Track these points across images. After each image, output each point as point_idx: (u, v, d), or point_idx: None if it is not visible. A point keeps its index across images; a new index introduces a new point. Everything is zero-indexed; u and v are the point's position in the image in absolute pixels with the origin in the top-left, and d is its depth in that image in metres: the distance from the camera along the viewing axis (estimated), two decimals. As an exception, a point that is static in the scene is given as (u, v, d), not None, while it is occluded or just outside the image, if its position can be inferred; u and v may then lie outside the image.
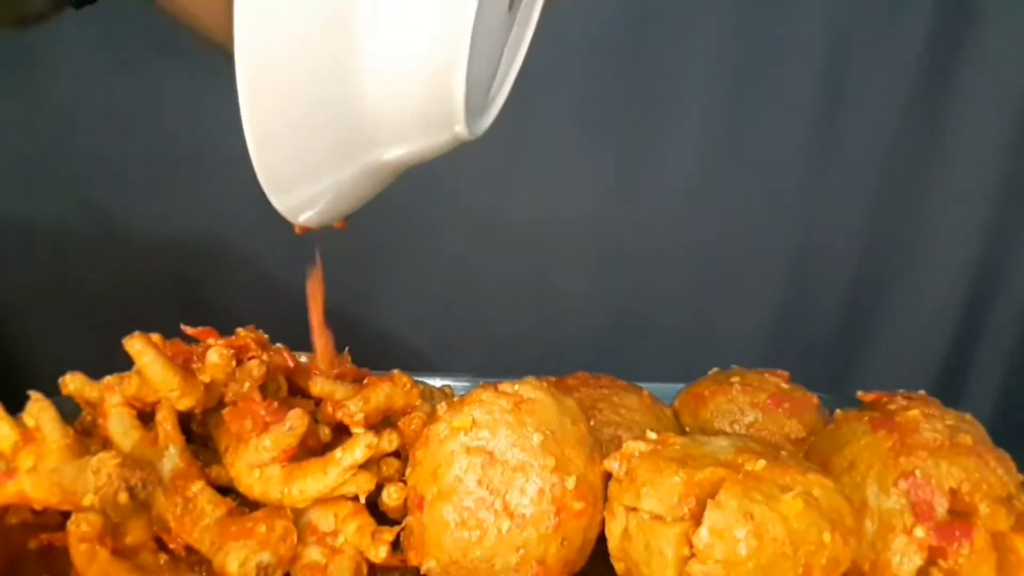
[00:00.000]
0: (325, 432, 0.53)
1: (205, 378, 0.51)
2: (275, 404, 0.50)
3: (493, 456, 0.46)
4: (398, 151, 0.40)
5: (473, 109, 0.38)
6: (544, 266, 0.93)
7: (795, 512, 0.41)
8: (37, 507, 0.45)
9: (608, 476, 0.48)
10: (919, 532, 0.46)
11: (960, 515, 0.46)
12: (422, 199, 0.88)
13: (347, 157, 0.39)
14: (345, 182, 0.40)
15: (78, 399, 0.53)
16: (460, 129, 0.37)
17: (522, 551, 0.45)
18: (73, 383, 0.52)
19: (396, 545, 0.48)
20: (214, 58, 0.78)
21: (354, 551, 0.48)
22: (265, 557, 0.46)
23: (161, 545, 0.47)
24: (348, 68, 0.34)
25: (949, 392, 0.79)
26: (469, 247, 0.92)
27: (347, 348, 0.61)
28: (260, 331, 0.58)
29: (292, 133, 0.36)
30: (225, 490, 0.50)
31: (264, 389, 0.52)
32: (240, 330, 0.57)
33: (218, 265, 0.91)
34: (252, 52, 0.33)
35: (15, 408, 0.48)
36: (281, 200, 0.39)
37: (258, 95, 0.35)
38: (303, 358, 0.57)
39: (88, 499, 0.44)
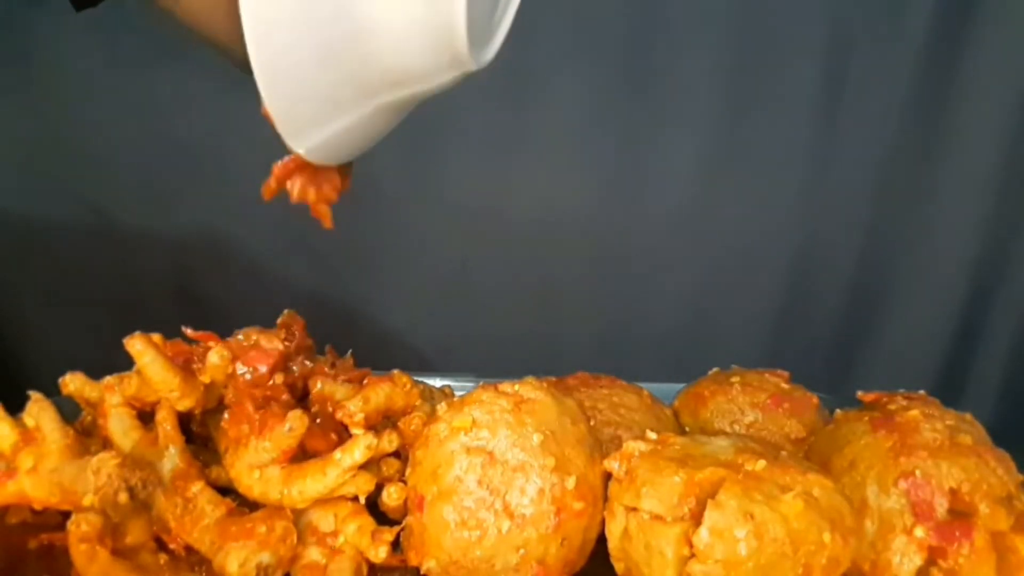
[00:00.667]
0: (331, 439, 0.53)
1: (205, 379, 0.51)
2: (268, 411, 0.50)
3: (493, 456, 0.46)
4: (405, 82, 0.40)
5: (475, 35, 0.38)
6: (544, 266, 0.93)
7: (795, 512, 0.41)
8: (37, 507, 0.45)
9: (608, 476, 0.48)
10: (919, 532, 0.46)
11: (960, 515, 0.46)
12: (422, 199, 0.88)
13: (354, 88, 0.39)
14: (353, 116, 0.41)
15: (78, 399, 0.53)
16: (463, 54, 0.37)
17: (522, 551, 0.45)
18: (73, 383, 0.52)
19: (396, 545, 0.48)
20: (216, 61, 0.78)
21: (354, 551, 0.48)
22: (265, 557, 0.46)
23: (161, 545, 0.47)
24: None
25: (949, 392, 0.79)
26: (469, 247, 0.92)
27: (350, 351, 0.62)
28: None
29: (299, 64, 0.36)
30: (225, 490, 0.50)
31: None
32: (286, 313, 0.58)
33: (218, 265, 0.91)
34: None
35: (15, 408, 0.48)
36: (293, 135, 0.40)
37: (263, 30, 0.35)
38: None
39: (88, 499, 0.44)
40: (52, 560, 0.47)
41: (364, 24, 0.36)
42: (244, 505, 0.49)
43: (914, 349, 0.95)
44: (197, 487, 0.48)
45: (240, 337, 0.53)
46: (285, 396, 0.52)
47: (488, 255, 0.92)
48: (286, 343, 0.57)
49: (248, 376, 0.51)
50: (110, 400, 0.49)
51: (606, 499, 0.47)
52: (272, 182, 0.45)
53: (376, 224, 0.90)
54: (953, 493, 0.46)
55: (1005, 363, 0.94)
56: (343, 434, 0.52)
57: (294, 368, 0.55)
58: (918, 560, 0.46)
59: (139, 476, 0.46)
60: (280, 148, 0.91)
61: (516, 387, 0.49)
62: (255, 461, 0.48)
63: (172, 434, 0.49)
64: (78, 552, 0.43)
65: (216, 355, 0.51)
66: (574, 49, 0.82)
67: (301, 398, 0.56)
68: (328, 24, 0.36)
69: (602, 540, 0.47)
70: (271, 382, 0.51)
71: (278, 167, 0.44)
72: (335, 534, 0.48)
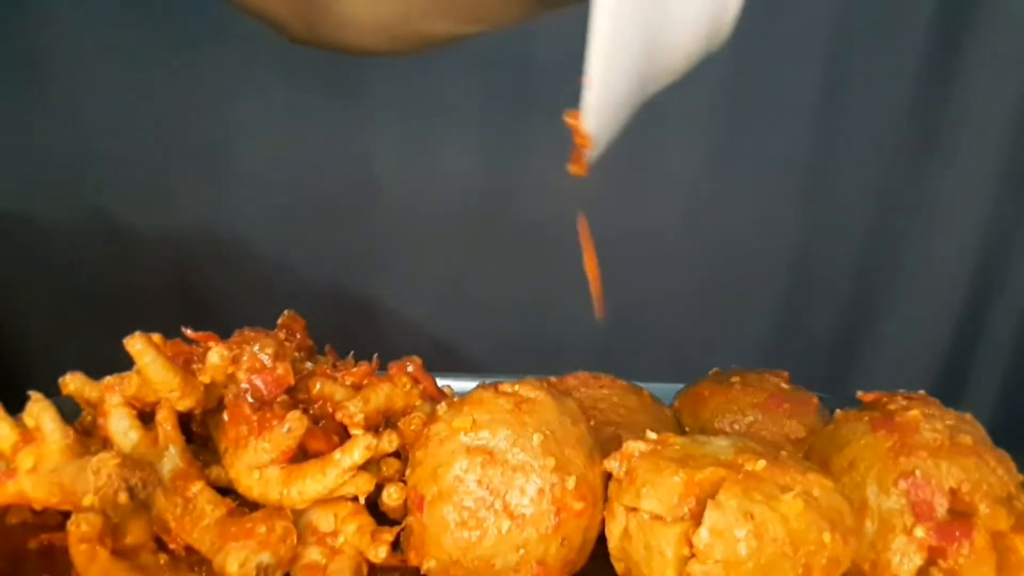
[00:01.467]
0: (332, 439, 0.53)
1: (205, 379, 0.51)
2: (267, 412, 0.50)
3: (493, 456, 0.46)
4: (677, 74, 0.42)
5: None
6: (544, 266, 0.93)
7: (795, 512, 0.41)
8: (37, 507, 0.45)
9: (608, 476, 0.48)
10: (919, 532, 0.46)
11: (960, 515, 0.46)
12: (423, 199, 0.88)
13: (646, 91, 0.40)
14: (631, 111, 0.42)
15: (78, 399, 0.53)
16: (725, 36, 0.40)
17: (522, 551, 0.45)
18: (73, 383, 0.52)
19: (396, 545, 0.48)
20: (218, 61, 0.78)
21: (354, 551, 0.48)
22: (265, 558, 0.46)
23: (161, 545, 0.47)
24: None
25: (949, 392, 0.79)
26: (469, 247, 0.92)
27: (351, 352, 0.62)
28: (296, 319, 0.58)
29: (622, 77, 0.37)
30: (225, 491, 0.50)
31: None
32: (286, 313, 0.58)
33: (218, 265, 0.91)
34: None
35: (15, 408, 0.48)
36: (598, 146, 0.41)
37: (611, 50, 0.36)
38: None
39: (88, 499, 0.44)
40: (52, 560, 0.47)
41: (669, 27, 0.37)
42: (244, 505, 0.49)
43: (914, 349, 0.95)
44: (197, 487, 0.48)
45: (247, 348, 0.53)
46: (284, 397, 0.52)
47: (488, 255, 0.92)
48: (287, 342, 0.57)
49: (246, 388, 0.51)
50: (110, 400, 0.49)
51: (606, 499, 0.47)
52: None
53: (376, 224, 0.90)
54: (953, 493, 0.46)
55: (1005, 363, 0.94)
56: (343, 434, 0.52)
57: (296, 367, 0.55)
58: (918, 560, 0.46)
59: (139, 476, 0.46)
60: (280, 148, 0.91)
61: (516, 387, 0.49)
62: (254, 461, 0.48)
63: (172, 434, 0.49)
64: (78, 552, 0.43)
65: (216, 355, 0.51)
66: (574, 50, 0.82)
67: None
68: (647, 31, 0.37)
69: (602, 540, 0.47)
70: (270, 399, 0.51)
71: None
72: (335, 534, 0.48)
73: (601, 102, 0.37)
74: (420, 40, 0.40)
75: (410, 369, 0.56)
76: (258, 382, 0.51)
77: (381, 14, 0.38)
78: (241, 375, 0.51)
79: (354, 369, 0.56)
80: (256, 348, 0.52)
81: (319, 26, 0.40)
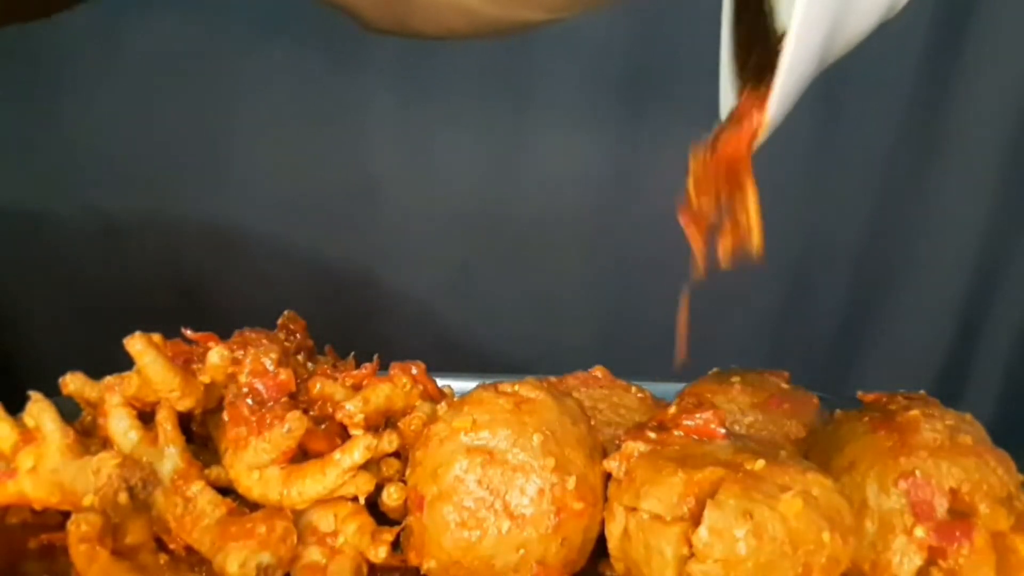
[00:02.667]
0: (332, 439, 0.53)
1: (205, 379, 0.51)
2: (267, 412, 0.50)
3: (493, 456, 0.46)
4: (854, 45, 0.41)
5: None
6: (544, 266, 0.93)
7: (794, 511, 0.41)
8: (37, 507, 0.45)
9: (608, 476, 0.48)
10: (919, 532, 0.46)
11: (960, 515, 0.46)
12: (423, 199, 0.88)
13: (822, 64, 0.40)
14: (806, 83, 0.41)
15: (78, 399, 0.53)
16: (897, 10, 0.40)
17: (522, 551, 0.45)
18: (73, 383, 0.52)
19: (396, 545, 0.48)
20: (218, 62, 0.78)
21: (354, 551, 0.48)
22: (265, 558, 0.46)
23: (161, 545, 0.47)
24: None
25: (949, 392, 0.79)
26: (469, 247, 0.92)
27: (352, 353, 0.61)
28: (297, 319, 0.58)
29: (810, 60, 0.37)
30: (225, 490, 0.50)
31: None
32: (286, 313, 0.58)
33: (219, 265, 0.91)
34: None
35: (15, 408, 0.48)
36: (774, 123, 0.41)
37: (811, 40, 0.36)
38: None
39: (88, 499, 0.44)
40: (52, 560, 0.47)
41: (855, 4, 0.37)
42: (244, 505, 0.49)
43: (914, 349, 0.95)
44: (197, 487, 0.48)
45: (250, 350, 0.53)
46: (285, 398, 0.52)
47: (488, 255, 0.92)
48: (287, 342, 0.57)
49: (246, 391, 0.51)
50: (110, 400, 0.49)
51: (606, 499, 0.47)
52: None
53: (376, 224, 0.90)
54: (953, 493, 0.46)
55: (1005, 363, 0.94)
56: (344, 435, 0.52)
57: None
58: (918, 560, 0.46)
59: (139, 476, 0.46)
60: (281, 148, 0.91)
61: (516, 387, 0.49)
62: (254, 462, 0.48)
63: (172, 434, 0.49)
64: (78, 552, 0.43)
65: (216, 355, 0.51)
66: (575, 49, 0.82)
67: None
68: (835, 11, 0.36)
69: (602, 540, 0.47)
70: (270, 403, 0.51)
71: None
72: (335, 534, 0.48)
73: (791, 83, 0.37)
74: (497, 25, 0.40)
75: (414, 372, 0.56)
76: (259, 385, 0.51)
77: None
78: (243, 378, 0.51)
79: (355, 372, 0.56)
80: (260, 350, 0.52)
81: (398, 10, 0.40)
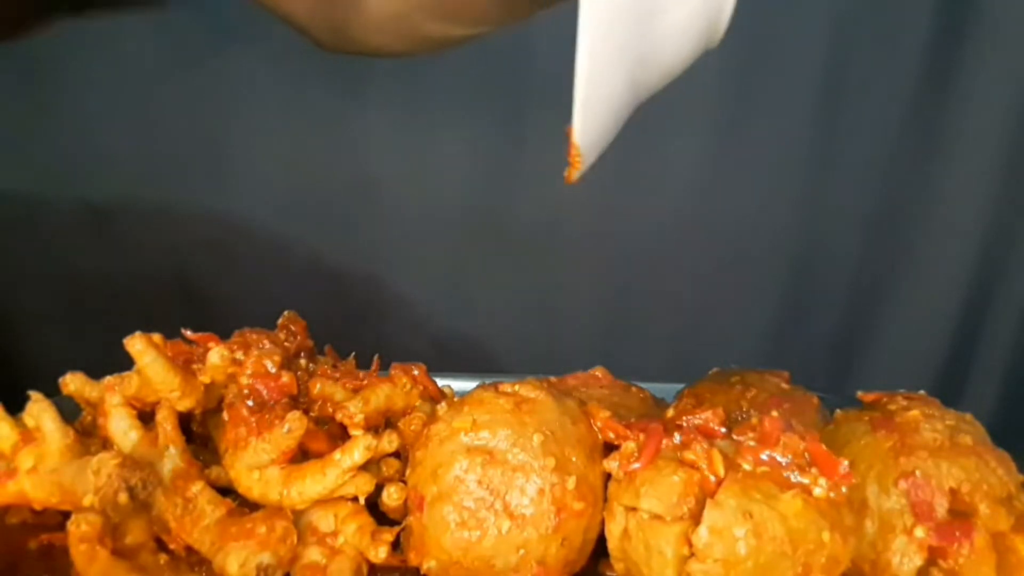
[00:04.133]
0: (333, 440, 0.53)
1: (205, 379, 0.52)
2: (267, 412, 0.50)
3: (493, 456, 0.46)
4: (671, 76, 0.41)
5: None
6: (544, 266, 0.93)
7: (794, 511, 0.41)
8: (37, 507, 0.45)
9: (608, 476, 0.48)
10: (919, 532, 0.46)
11: (960, 515, 0.46)
12: (422, 199, 0.88)
13: (638, 98, 0.40)
14: (624, 116, 0.41)
15: (78, 399, 0.53)
16: (720, 36, 0.40)
17: (522, 551, 0.45)
18: (73, 383, 0.52)
19: (396, 545, 0.48)
20: (218, 63, 0.78)
21: (354, 551, 0.48)
22: (265, 558, 0.46)
23: (161, 545, 0.47)
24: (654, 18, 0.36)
25: (949, 392, 0.79)
26: (469, 247, 0.92)
27: (353, 353, 0.61)
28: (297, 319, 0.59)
29: (612, 90, 0.37)
30: (225, 490, 0.50)
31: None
32: (286, 314, 0.58)
33: (219, 266, 0.91)
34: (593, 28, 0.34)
35: (15, 408, 0.48)
36: (588, 158, 0.41)
37: (593, 66, 0.36)
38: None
39: (88, 499, 0.44)
40: (52, 560, 0.47)
41: (662, 32, 0.37)
42: (244, 505, 0.49)
43: (914, 349, 0.95)
44: (197, 487, 0.48)
45: (253, 351, 0.53)
46: (285, 399, 0.52)
47: (489, 255, 0.92)
48: (287, 343, 0.57)
49: (247, 393, 0.51)
50: (110, 400, 0.49)
51: (606, 499, 0.48)
52: None
53: (376, 225, 0.90)
54: (953, 493, 0.46)
55: (1005, 363, 0.94)
56: (344, 435, 0.52)
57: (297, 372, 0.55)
58: (918, 560, 0.46)
59: (139, 476, 0.46)
60: (280, 149, 0.91)
61: (516, 387, 0.49)
62: (254, 462, 0.48)
63: (172, 434, 0.49)
64: (78, 552, 0.43)
65: (216, 355, 0.51)
66: (572, 49, 0.82)
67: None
68: (638, 41, 0.36)
69: (602, 540, 0.47)
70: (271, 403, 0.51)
71: None
72: (335, 534, 0.48)
73: (592, 116, 0.37)
74: (430, 40, 0.41)
75: (415, 373, 0.56)
76: (260, 387, 0.51)
77: (391, 13, 0.39)
78: (244, 379, 0.51)
79: (356, 381, 0.55)
80: (262, 352, 0.52)
81: (340, 29, 0.41)
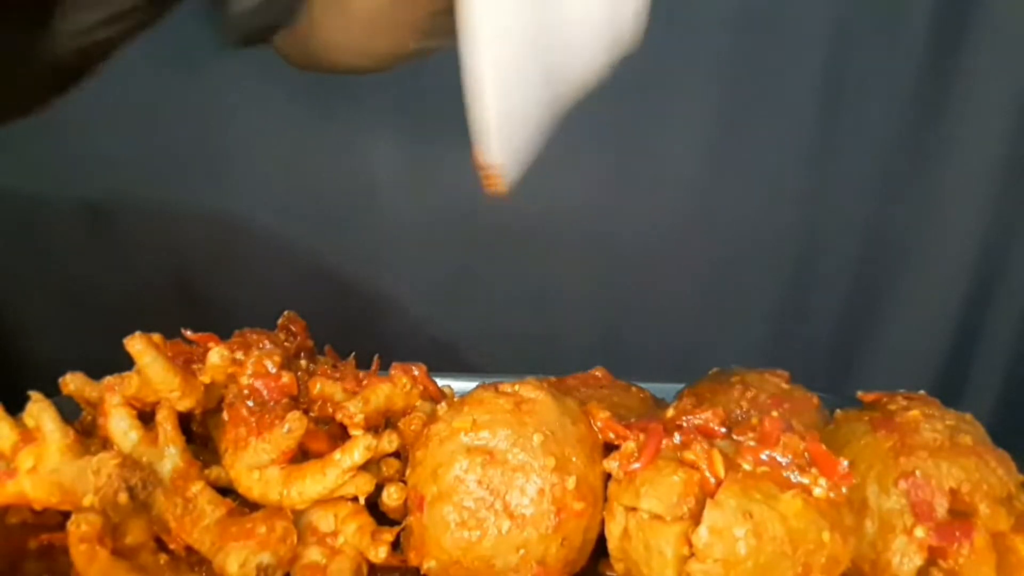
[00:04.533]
0: (333, 439, 0.53)
1: (205, 379, 0.51)
2: (267, 412, 0.50)
3: (493, 456, 0.46)
4: (585, 86, 0.42)
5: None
6: (544, 266, 0.93)
7: (794, 511, 0.41)
8: (37, 507, 0.45)
9: (608, 476, 0.48)
10: (919, 532, 0.46)
11: (960, 515, 0.46)
12: (422, 200, 0.88)
13: (551, 111, 0.41)
14: (545, 129, 0.42)
15: (78, 399, 0.53)
16: (631, 43, 0.40)
17: (522, 551, 0.45)
18: (73, 383, 0.52)
19: (396, 545, 0.48)
20: (220, 67, 0.78)
21: (354, 551, 0.48)
22: (265, 558, 0.46)
23: (161, 545, 0.47)
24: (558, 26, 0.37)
25: (949, 392, 0.79)
26: (469, 247, 0.92)
27: (352, 353, 0.61)
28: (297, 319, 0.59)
29: (522, 104, 0.38)
30: (225, 490, 0.50)
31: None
32: (286, 314, 0.58)
33: (219, 266, 0.91)
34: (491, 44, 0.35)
35: (15, 408, 0.48)
36: (509, 175, 0.41)
37: (498, 87, 0.37)
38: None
39: (88, 499, 0.44)
40: (52, 560, 0.47)
41: (569, 45, 0.38)
42: (244, 505, 0.49)
43: (914, 349, 0.95)
44: (197, 487, 0.48)
45: (254, 352, 0.53)
46: (285, 400, 0.52)
47: (488, 255, 0.92)
48: (287, 343, 0.57)
49: (247, 394, 0.51)
50: (110, 400, 0.49)
51: (606, 499, 0.47)
52: None
53: (376, 226, 0.90)
54: (953, 493, 0.46)
55: (1005, 363, 0.94)
56: (344, 435, 0.52)
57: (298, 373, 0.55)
58: (918, 560, 0.46)
59: (139, 476, 0.46)
60: (281, 151, 0.91)
61: (516, 387, 0.49)
62: (254, 462, 0.48)
63: (172, 434, 0.49)
64: (78, 552, 0.43)
65: (216, 355, 0.51)
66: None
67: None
68: (544, 55, 0.37)
69: (602, 540, 0.47)
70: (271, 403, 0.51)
71: None
72: (335, 534, 0.48)
73: (503, 133, 0.38)
74: (386, 57, 0.43)
75: (416, 374, 0.56)
76: (260, 386, 0.51)
77: (343, 38, 0.42)
78: (244, 379, 0.51)
79: (356, 381, 0.55)
80: (263, 353, 0.52)
81: (310, 53, 0.44)
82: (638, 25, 0.42)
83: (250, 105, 0.82)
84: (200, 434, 0.55)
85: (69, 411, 0.50)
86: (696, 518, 0.42)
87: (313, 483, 0.47)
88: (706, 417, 0.48)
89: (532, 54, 0.37)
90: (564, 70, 0.39)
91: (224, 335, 0.56)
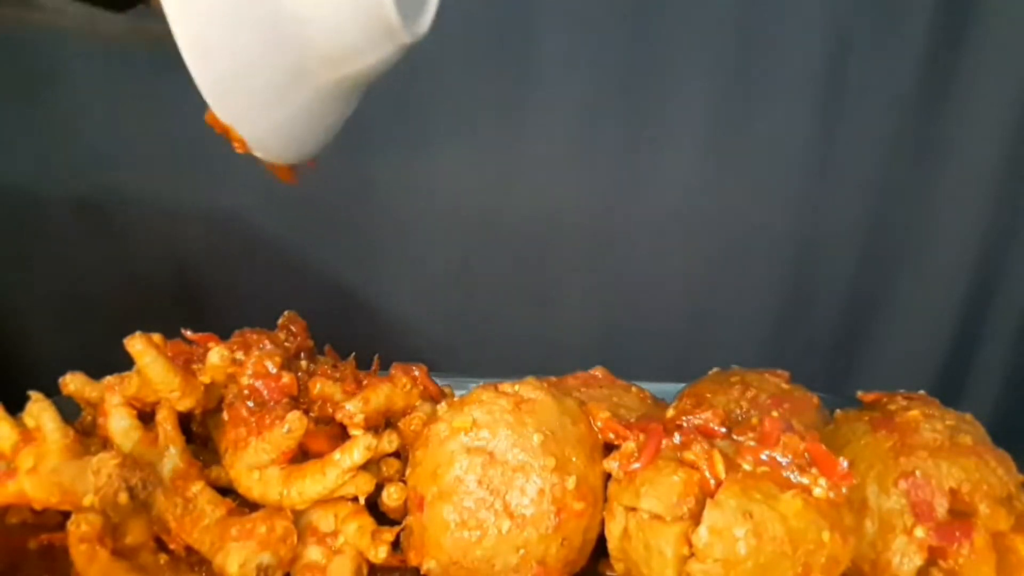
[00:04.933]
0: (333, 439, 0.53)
1: (205, 379, 0.52)
2: (267, 412, 0.50)
3: (493, 456, 0.46)
4: (342, 61, 0.40)
5: (405, 6, 0.39)
6: (544, 266, 0.93)
7: (794, 511, 0.41)
8: (37, 507, 0.45)
9: (608, 476, 0.48)
10: (919, 532, 0.46)
11: (960, 515, 0.46)
12: (423, 199, 0.88)
13: (296, 76, 0.40)
14: (297, 105, 0.41)
15: (78, 399, 0.53)
16: (394, 25, 0.39)
17: (522, 551, 0.45)
18: (73, 383, 0.52)
19: (396, 545, 0.48)
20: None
21: (354, 551, 0.48)
22: (265, 558, 0.46)
23: (161, 545, 0.47)
24: None
25: (949, 392, 0.79)
26: (469, 247, 0.92)
27: (353, 354, 0.61)
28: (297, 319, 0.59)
29: (234, 55, 0.37)
30: (225, 490, 0.50)
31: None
32: (286, 314, 0.58)
33: (219, 266, 0.91)
34: None
35: (15, 408, 0.48)
36: (244, 128, 0.40)
37: (195, 27, 0.36)
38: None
39: (88, 499, 0.44)
40: (52, 560, 0.47)
41: (297, 8, 0.37)
42: (244, 505, 0.49)
43: (914, 349, 0.95)
44: (197, 487, 0.48)
45: (254, 352, 0.53)
46: (286, 400, 0.52)
47: (488, 255, 0.92)
48: (287, 343, 0.57)
49: (247, 395, 0.51)
50: (110, 400, 0.49)
51: (606, 499, 0.47)
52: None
53: (376, 225, 0.90)
54: (953, 493, 0.46)
55: (1005, 363, 0.94)
56: (344, 435, 0.52)
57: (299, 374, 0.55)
58: (918, 560, 0.46)
59: (139, 476, 0.46)
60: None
61: (516, 387, 0.49)
62: (254, 462, 0.48)
63: (172, 434, 0.49)
64: (78, 552, 0.43)
65: (216, 355, 0.51)
66: (574, 47, 0.82)
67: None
68: (262, 14, 0.36)
69: (602, 540, 0.47)
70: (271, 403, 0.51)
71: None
72: (335, 534, 0.48)
73: (219, 89, 0.37)
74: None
75: (416, 374, 0.56)
76: (259, 386, 0.51)
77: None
78: (245, 379, 0.51)
79: (356, 381, 0.55)
80: (264, 353, 0.52)
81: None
82: (413, 10, 0.40)
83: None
84: (200, 434, 0.55)
85: (69, 411, 0.50)
86: (696, 518, 0.42)
87: (313, 483, 0.47)
88: (706, 417, 0.48)
89: (250, 18, 0.36)
90: (301, 39, 0.38)
91: (224, 335, 0.56)
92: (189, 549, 0.47)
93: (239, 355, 0.53)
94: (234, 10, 0.36)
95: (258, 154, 0.42)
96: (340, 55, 0.40)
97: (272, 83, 0.39)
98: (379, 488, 0.50)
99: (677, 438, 0.46)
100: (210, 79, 0.37)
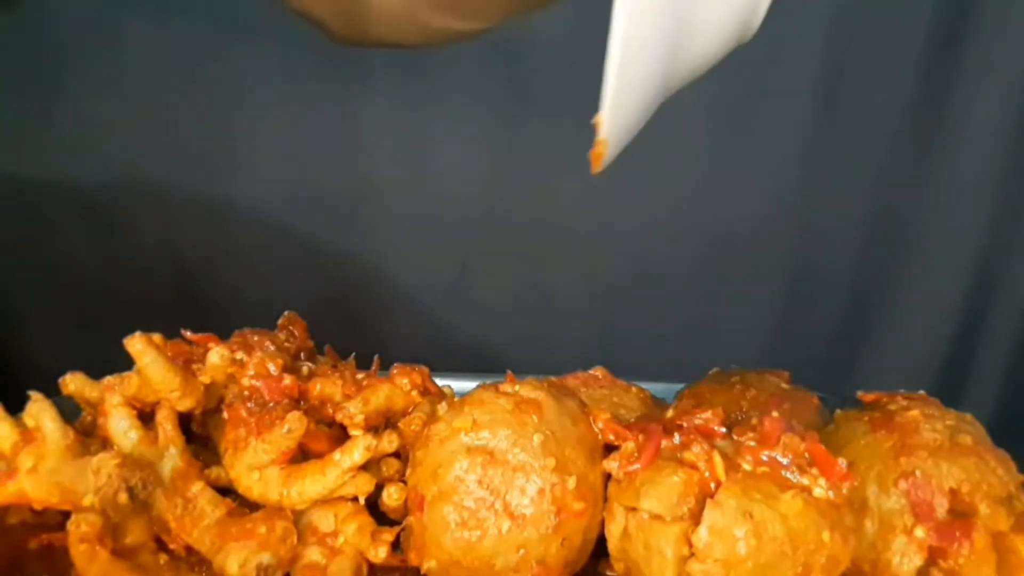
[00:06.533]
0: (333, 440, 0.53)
1: (205, 379, 0.52)
2: (267, 413, 0.50)
3: (493, 456, 0.46)
4: (702, 72, 0.41)
5: None
6: (544, 266, 0.93)
7: (794, 511, 0.41)
8: (37, 507, 0.45)
9: (608, 476, 0.48)
10: (919, 532, 0.46)
11: (960, 515, 0.46)
12: (423, 200, 0.88)
13: (667, 91, 0.40)
14: (645, 113, 0.41)
15: (78, 399, 0.53)
16: (754, 28, 0.39)
17: (522, 551, 0.45)
18: (73, 383, 0.52)
19: (396, 545, 0.49)
20: (217, 62, 0.78)
21: (354, 551, 0.48)
22: (265, 558, 0.46)
23: (161, 545, 0.47)
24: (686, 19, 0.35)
25: (949, 392, 0.79)
26: (469, 247, 0.92)
27: (353, 354, 0.61)
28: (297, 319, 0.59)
29: (644, 81, 0.37)
30: (225, 491, 0.50)
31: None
32: (286, 314, 0.59)
33: (219, 265, 0.91)
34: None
35: (15, 408, 0.48)
36: (614, 151, 0.40)
37: (628, 55, 0.35)
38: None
39: (88, 499, 0.45)
40: (52, 560, 0.47)
41: (697, 25, 0.37)
42: (244, 505, 0.49)
43: (914, 349, 0.95)
44: (197, 487, 0.48)
45: (255, 353, 0.53)
46: (286, 400, 0.52)
47: (489, 255, 0.92)
48: (287, 343, 0.57)
49: (247, 395, 0.51)
50: (110, 400, 0.49)
51: (606, 499, 0.48)
52: None
53: (376, 224, 0.90)
54: (953, 493, 0.46)
55: (1005, 363, 0.94)
56: (344, 435, 0.52)
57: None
58: (918, 560, 0.46)
59: (139, 476, 0.46)
60: (280, 148, 0.91)
61: (516, 387, 0.49)
62: (254, 462, 0.48)
63: (172, 434, 0.49)
64: (78, 552, 0.43)
65: (216, 355, 0.51)
66: (573, 50, 0.82)
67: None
68: (673, 33, 0.36)
69: (602, 540, 0.47)
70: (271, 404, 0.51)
71: None
72: (335, 534, 0.48)
73: (622, 108, 0.37)
74: (438, 32, 0.42)
75: (416, 374, 0.56)
76: (261, 387, 0.51)
77: (399, 5, 0.40)
78: (245, 380, 0.51)
79: (356, 382, 0.55)
80: (265, 355, 0.52)
81: (354, 21, 0.42)
82: (763, 15, 0.40)
83: (253, 99, 0.82)
84: (200, 434, 0.55)
85: (69, 411, 0.50)
86: (696, 518, 0.42)
87: (313, 483, 0.47)
88: (706, 417, 0.48)
89: (665, 27, 0.35)
90: (688, 50, 0.37)
91: (224, 335, 0.56)
92: (189, 549, 0.47)
93: (239, 355, 0.53)
94: (658, 34, 0.35)
95: (606, 158, 0.42)
96: (703, 65, 0.40)
97: (653, 95, 0.39)
98: (379, 488, 0.50)
99: (677, 438, 0.46)
100: (620, 98, 0.37)
